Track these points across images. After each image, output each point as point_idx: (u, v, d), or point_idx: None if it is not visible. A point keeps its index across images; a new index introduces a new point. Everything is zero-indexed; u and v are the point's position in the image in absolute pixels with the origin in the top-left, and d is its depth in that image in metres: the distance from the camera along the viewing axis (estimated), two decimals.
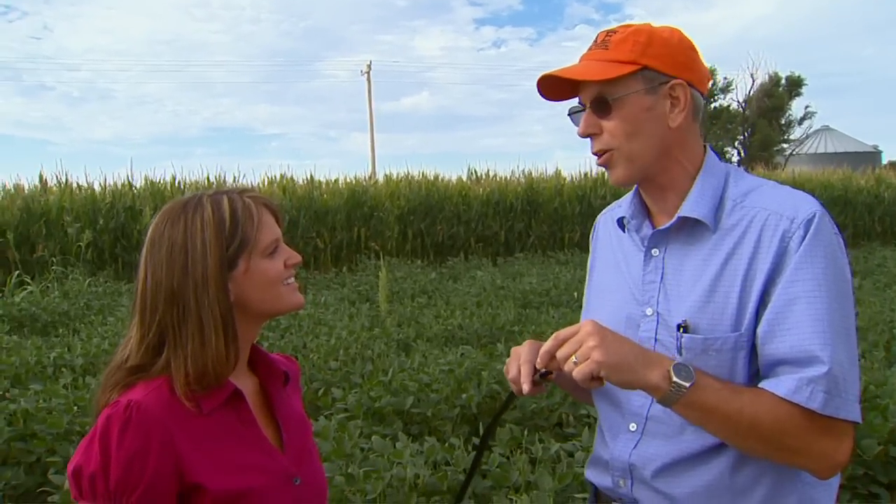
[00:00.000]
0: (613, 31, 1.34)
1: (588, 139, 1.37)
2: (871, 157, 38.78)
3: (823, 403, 1.16)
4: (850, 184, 19.61)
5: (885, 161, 40.92)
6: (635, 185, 1.42)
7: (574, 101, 1.39)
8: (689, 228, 1.33)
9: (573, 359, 1.20)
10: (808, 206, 1.26)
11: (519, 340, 6.03)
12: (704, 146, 1.39)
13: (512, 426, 3.62)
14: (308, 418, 1.42)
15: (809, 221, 1.23)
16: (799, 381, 1.17)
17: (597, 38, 1.37)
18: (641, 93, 1.30)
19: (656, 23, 1.38)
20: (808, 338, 1.18)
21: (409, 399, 4.05)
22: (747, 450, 1.24)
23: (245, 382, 1.30)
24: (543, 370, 1.34)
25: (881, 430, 3.16)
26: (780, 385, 1.19)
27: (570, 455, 3.19)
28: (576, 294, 8.74)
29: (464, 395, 4.15)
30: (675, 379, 1.18)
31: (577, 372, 1.19)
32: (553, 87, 1.38)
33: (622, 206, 1.49)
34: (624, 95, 1.30)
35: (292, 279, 1.30)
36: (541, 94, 1.39)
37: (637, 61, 1.29)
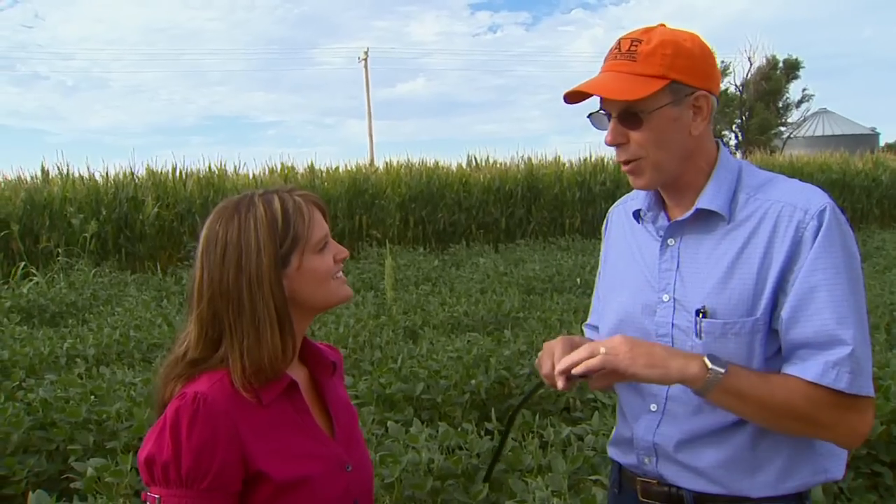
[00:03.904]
0: (639, 41, 1.37)
1: (611, 147, 1.42)
2: (869, 139, 38.67)
3: (849, 383, 1.25)
4: (848, 167, 19.62)
5: (882, 143, 40.82)
6: None
7: (593, 101, 1.42)
8: (705, 219, 1.40)
9: (602, 349, 1.29)
10: (819, 198, 1.34)
11: (525, 327, 6.09)
12: (717, 143, 1.46)
13: (523, 411, 3.68)
14: (353, 406, 1.46)
15: (822, 213, 1.31)
16: (825, 365, 1.25)
17: (620, 44, 1.38)
18: (669, 106, 1.35)
19: (670, 23, 1.42)
20: (831, 322, 1.26)
21: (419, 385, 4.09)
22: (780, 429, 1.32)
23: (297, 373, 1.34)
24: None
25: (883, 410, 3.23)
26: (806, 370, 1.27)
27: (581, 438, 3.24)
28: (578, 280, 8.79)
29: (472, 382, 4.20)
30: (711, 366, 1.26)
31: (598, 360, 1.29)
32: (575, 91, 1.40)
33: (636, 199, 1.55)
34: (654, 109, 1.35)
35: (341, 273, 1.34)
36: (565, 100, 1.43)
37: (666, 76, 1.33)
